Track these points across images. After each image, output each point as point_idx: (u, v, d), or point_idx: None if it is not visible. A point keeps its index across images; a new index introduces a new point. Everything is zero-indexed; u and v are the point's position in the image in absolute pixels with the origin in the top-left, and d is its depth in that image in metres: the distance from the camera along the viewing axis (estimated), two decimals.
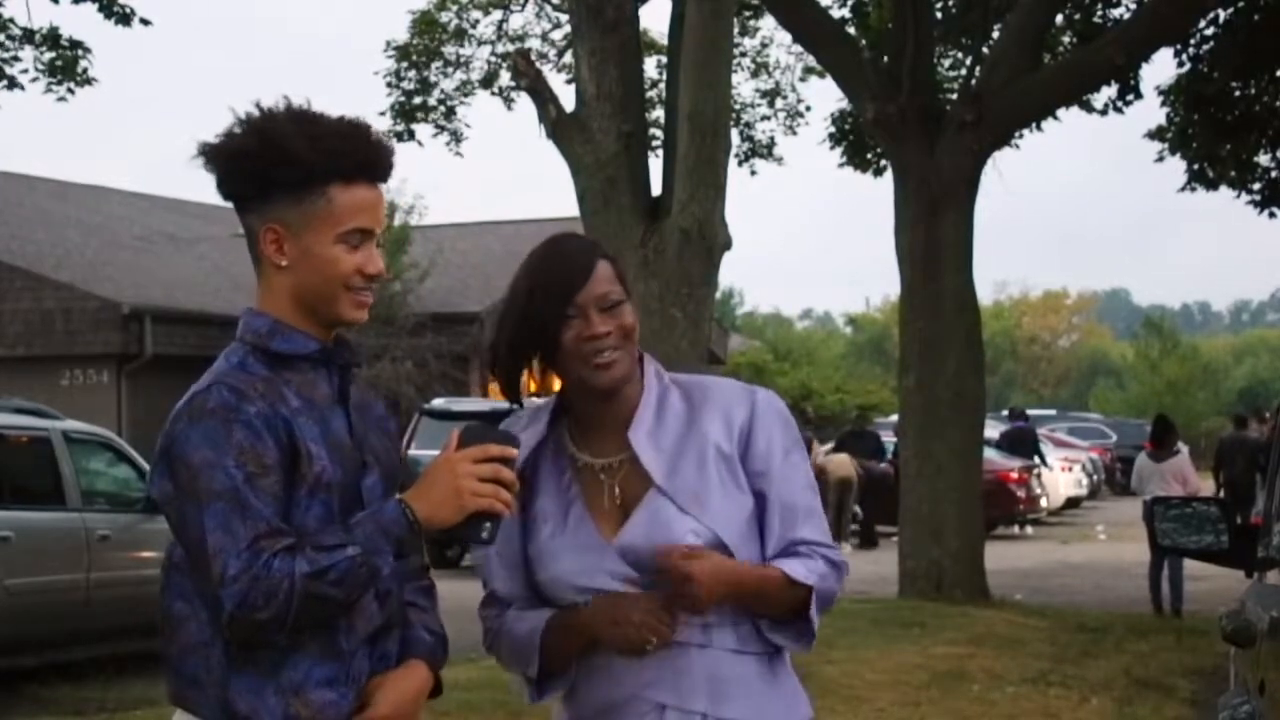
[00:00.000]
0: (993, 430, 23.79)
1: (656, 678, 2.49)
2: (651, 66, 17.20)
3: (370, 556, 2.32)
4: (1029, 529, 24.41)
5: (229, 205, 2.54)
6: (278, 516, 2.34)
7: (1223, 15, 16.54)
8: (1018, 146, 17.25)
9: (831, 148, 18.81)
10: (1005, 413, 30.08)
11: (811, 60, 19.06)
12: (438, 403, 19.58)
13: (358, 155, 2.45)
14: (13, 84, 15.64)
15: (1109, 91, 16.91)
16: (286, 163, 2.42)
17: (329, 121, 2.48)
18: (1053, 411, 44.06)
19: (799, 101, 21.30)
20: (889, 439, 20.11)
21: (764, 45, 21.04)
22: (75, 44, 15.63)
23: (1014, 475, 23.06)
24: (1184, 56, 17.09)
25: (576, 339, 2.53)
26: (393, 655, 2.51)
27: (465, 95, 20.16)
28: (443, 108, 20.04)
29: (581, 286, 2.53)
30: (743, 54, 20.23)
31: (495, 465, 2.37)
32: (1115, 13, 17.07)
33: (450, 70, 20.12)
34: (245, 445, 2.34)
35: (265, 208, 2.46)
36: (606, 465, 2.59)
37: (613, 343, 2.53)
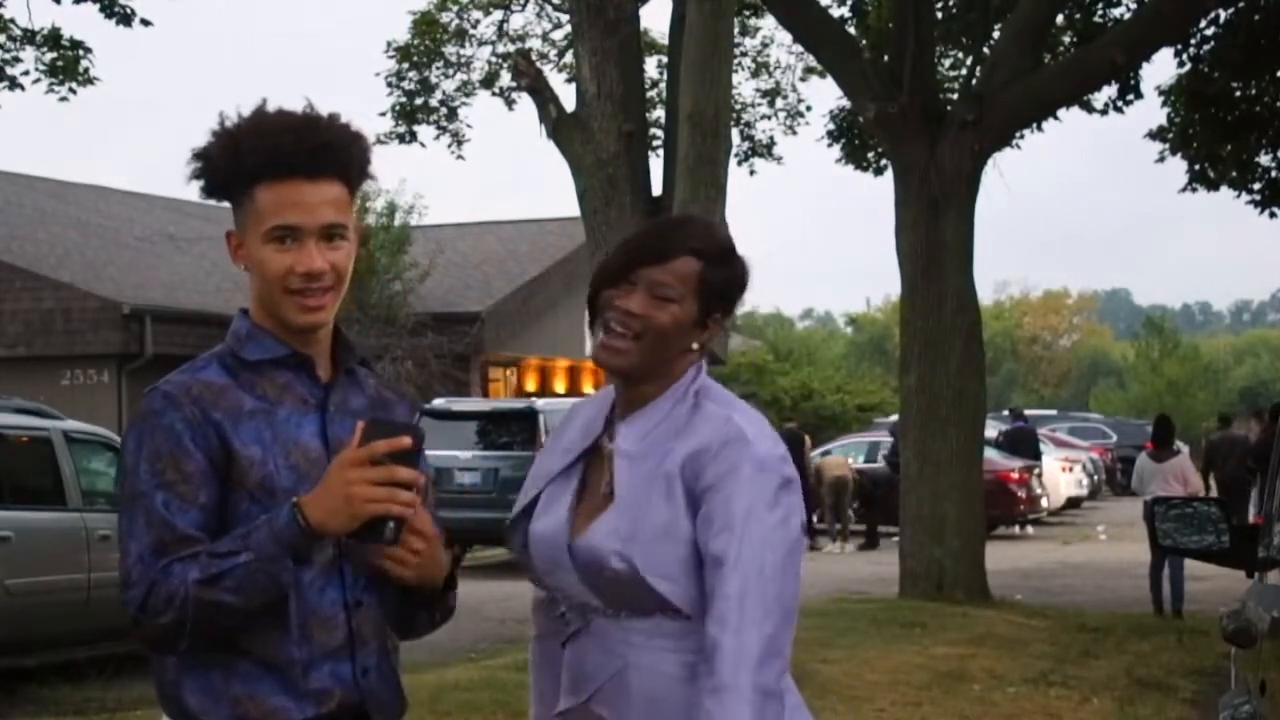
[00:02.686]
0: (992, 430, 23.80)
1: (601, 689, 2.44)
2: (652, 66, 17.20)
3: (265, 563, 2.28)
4: (1029, 529, 24.41)
5: (228, 205, 2.55)
6: (195, 524, 2.33)
7: (1223, 15, 16.54)
8: (1018, 146, 17.27)
9: (829, 145, 18.81)
10: (1006, 412, 30.00)
11: (812, 60, 19.06)
12: (438, 403, 19.59)
13: (278, 152, 2.39)
14: (14, 84, 15.65)
15: (1109, 91, 16.91)
16: (210, 171, 2.46)
17: (258, 121, 2.43)
18: (1053, 411, 44.06)
19: (799, 101, 21.32)
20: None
21: (764, 45, 21.05)
22: (76, 44, 15.63)
23: (1014, 475, 23.07)
24: (1184, 56, 17.09)
25: (609, 300, 2.47)
26: (372, 671, 2.47)
27: (466, 95, 20.17)
28: (444, 109, 20.04)
29: (647, 264, 2.45)
30: (743, 54, 20.23)
31: (388, 467, 2.27)
32: (1115, 12, 17.06)
33: (451, 71, 20.12)
34: (163, 452, 2.35)
35: (234, 214, 2.50)
36: (611, 452, 2.50)
37: (632, 326, 2.44)
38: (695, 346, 2.50)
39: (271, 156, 2.39)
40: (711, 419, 2.42)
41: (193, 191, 2.60)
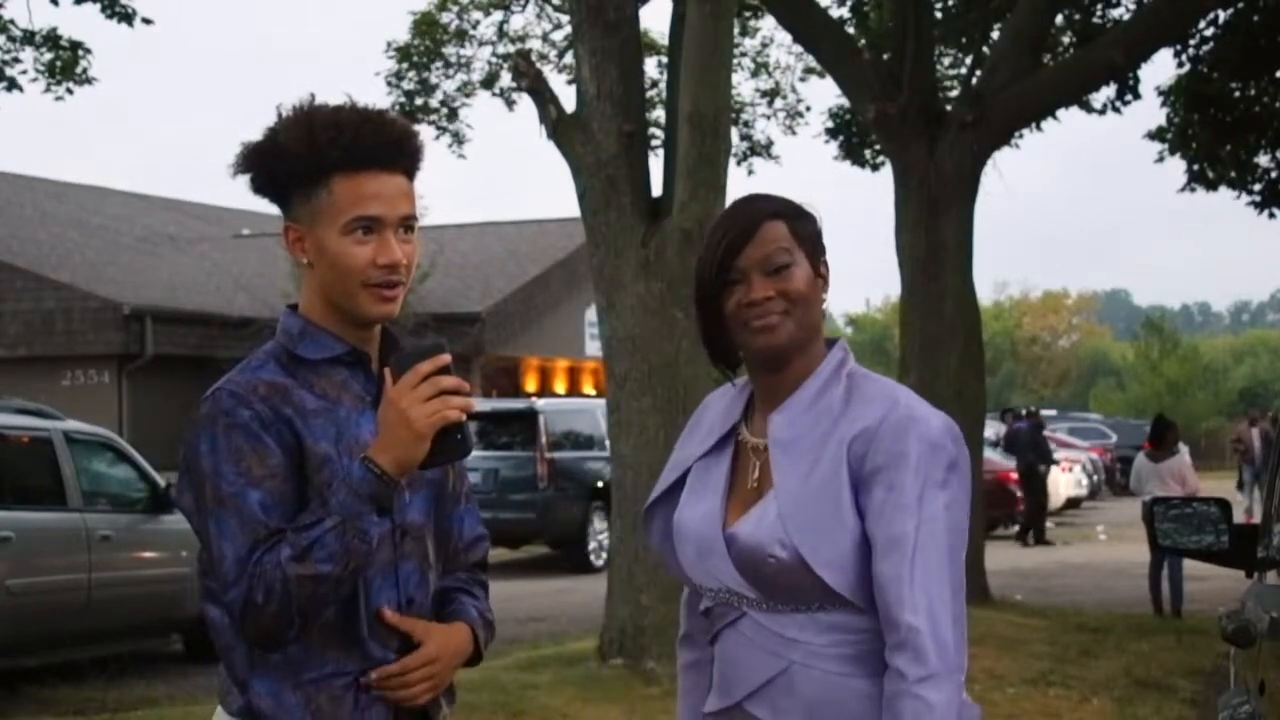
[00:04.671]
0: (990, 431, 23.76)
1: (759, 691, 2.39)
2: (652, 66, 17.19)
3: (351, 521, 2.29)
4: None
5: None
6: (285, 518, 2.33)
7: (1223, 16, 16.54)
8: (1018, 146, 17.27)
9: (827, 141, 18.81)
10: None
11: (811, 60, 19.05)
12: None
13: (358, 143, 2.39)
14: (13, 85, 15.66)
15: (1107, 92, 16.92)
16: (284, 158, 2.43)
17: (333, 112, 2.43)
18: (1053, 411, 44.03)
19: (799, 101, 21.31)
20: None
21: (764, 45, 21.03)
22: (75, 44, 15.64)
23: (1014, 475, 23.05)
24: (1184, 57, 17.09)
25: (737, 305, 2.41)
26: None
27: (466, 96, 20.17)
28: (444, 109, 20.04)
29: (741, 249, 2.40)
30: (743, 54, 20.22)
31: (433, 380, 2.31)
32: (1115, 13, 17.07)
33: (451, 71, 20.12)
34: (245, 449, 2.34)
35: (286, 206, 2.47)
36: (757, 445, 2.46)
37: (775, 308, 2.39)
38: (825, 298, 2.48)
39: (353, 147, 2.39)
40: (877, 399, 2.38)
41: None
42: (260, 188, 2.48)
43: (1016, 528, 22.76)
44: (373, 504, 2.31)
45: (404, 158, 2.45)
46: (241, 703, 2.41)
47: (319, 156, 2.40)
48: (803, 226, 2.46)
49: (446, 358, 2.34)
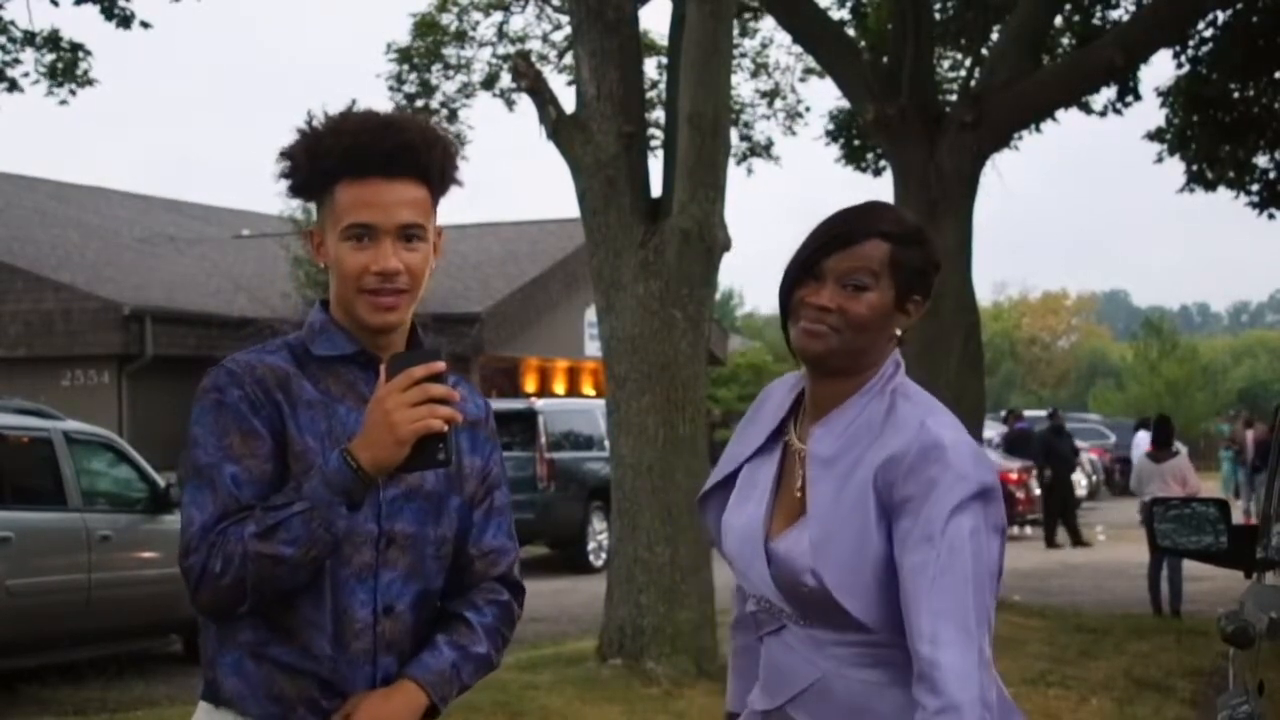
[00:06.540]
0: (991, 431, 23.76)
1: (799, 696, 2.43)
2: (651, 67, 17.18)
3: (320, 510, 2.30)
4: (1029, 529, 24.41)
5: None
6: (260, 498, 2.35)
7: (1222, 17, 16.54)
8: (1017, 148, 17.27)
9: (828, 144, 18.82)
10: (1003, 414, 29.79)
11: (811, 61, 19.05)
12: None
13: (355, 151, 2.41)
14: (13, 86, 15.66)
15: (1108, 93, 16.92)
16: (294, 168, 2.48)
17: (338, 120, 2.47)
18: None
19: (798, 102, 21.31)
20: None
21: (764, 46, 21.02)
22: (75, 46, 15.64)
23: (1014, 475, 23.05)
24: (1183, 58, 17.09)
25: (800, 300, 2.41)
26: (393, 678, 2.49)
27: (466, 97, 20.18)
28: (445, 110, 20.03)
29: (833, 253, 2.39)
30: (743, 54, 20.22)
31: (422, 386, 2.31)
32: (1115, 13, 17.07)
33: (451, 73, 20.12)
34: (230, 426, 2.38)
35: (317, 212, 2.53)
36: (802, 452, 2.46)
37: (829, 320, 2.38)
38: (898, 332, 2.45)
39: (349, 155, 2.42)
40: (905, 425, 2.36)
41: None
42: (294, 193, 2.54)
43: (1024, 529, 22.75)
44: (344, 497, 2.32)
45: (408, 166, 2.44)
46: (204, 683, 2.46)
47: (320, 164, 2.44)
48: (908, 255, 2.42)
49: (441, 365, 2.34)
